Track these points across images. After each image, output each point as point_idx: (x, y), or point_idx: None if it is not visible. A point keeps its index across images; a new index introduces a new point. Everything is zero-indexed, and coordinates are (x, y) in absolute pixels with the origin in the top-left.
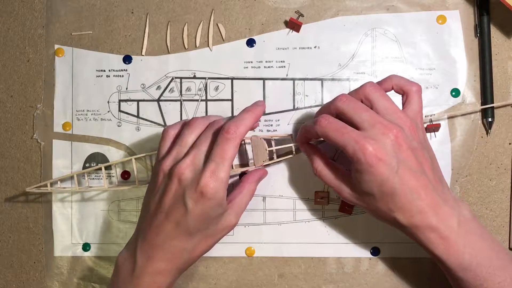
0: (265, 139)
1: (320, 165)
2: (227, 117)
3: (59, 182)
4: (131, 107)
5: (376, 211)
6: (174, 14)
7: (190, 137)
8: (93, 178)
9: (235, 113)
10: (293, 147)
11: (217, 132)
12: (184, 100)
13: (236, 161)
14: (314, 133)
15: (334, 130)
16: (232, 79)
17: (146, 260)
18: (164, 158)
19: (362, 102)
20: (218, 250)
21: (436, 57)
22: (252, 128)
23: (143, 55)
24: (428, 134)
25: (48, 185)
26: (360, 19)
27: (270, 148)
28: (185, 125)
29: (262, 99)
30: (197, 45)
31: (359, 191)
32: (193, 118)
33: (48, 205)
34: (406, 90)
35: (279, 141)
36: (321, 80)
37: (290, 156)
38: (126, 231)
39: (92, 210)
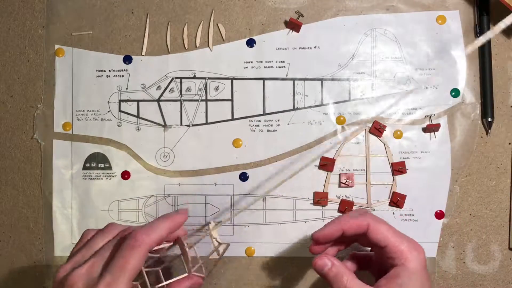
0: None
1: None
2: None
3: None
4: (131, 107)
5: None
6: (174, 14)
7: (99, 242)
8: (93, 178)
9: (235, 114)
10: (220, 249)
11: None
12: (184, 100)
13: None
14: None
15: None
16: (232, 79)
17: None
18: (66, 262)
19: None
20: None
21: (436, 57)
22: (171, 239)
23: (143, 55)
24: (428, 134)
25: None
26: (360, 19)
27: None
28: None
29: (262, 99)
30: (197, 45)
31: None
32: (111, 223)
33: (48, 205)
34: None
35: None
36: (321, 80)
37: (216, 257)
38: None
39: (92, 210)
